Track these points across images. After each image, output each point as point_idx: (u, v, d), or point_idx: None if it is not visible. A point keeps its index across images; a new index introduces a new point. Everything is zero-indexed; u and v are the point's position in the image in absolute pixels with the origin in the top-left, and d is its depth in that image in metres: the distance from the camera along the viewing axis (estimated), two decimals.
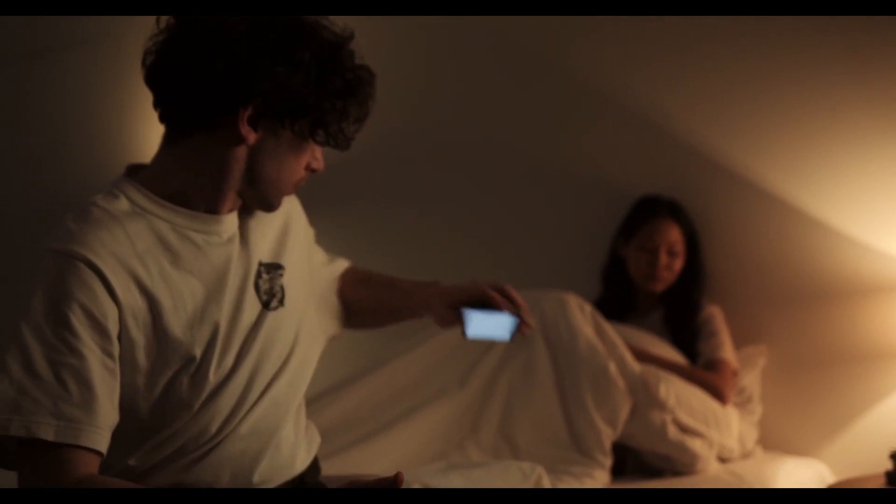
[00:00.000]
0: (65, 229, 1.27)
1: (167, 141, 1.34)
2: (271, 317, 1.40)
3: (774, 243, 2.86)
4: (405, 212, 3.53)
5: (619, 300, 2.90)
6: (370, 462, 2.05)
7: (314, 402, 2.22)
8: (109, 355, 1.23)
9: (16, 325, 1.21)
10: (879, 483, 2.29)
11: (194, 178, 1.33)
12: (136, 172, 1.37)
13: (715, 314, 2.78)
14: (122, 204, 1.31)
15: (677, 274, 2.81)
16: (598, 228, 3.05)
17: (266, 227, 1.47)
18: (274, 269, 1.45)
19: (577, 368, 2.32)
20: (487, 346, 2.42)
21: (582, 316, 2.42)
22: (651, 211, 2.83)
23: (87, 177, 4.11)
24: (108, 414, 1.23)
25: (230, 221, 1.38)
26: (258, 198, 1.37)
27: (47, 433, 1.18)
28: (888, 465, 2.28)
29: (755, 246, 2.89)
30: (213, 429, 1.33)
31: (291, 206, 1.57)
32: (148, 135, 4.04)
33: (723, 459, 2.52)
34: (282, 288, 1.46)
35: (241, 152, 1.31)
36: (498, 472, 1.89)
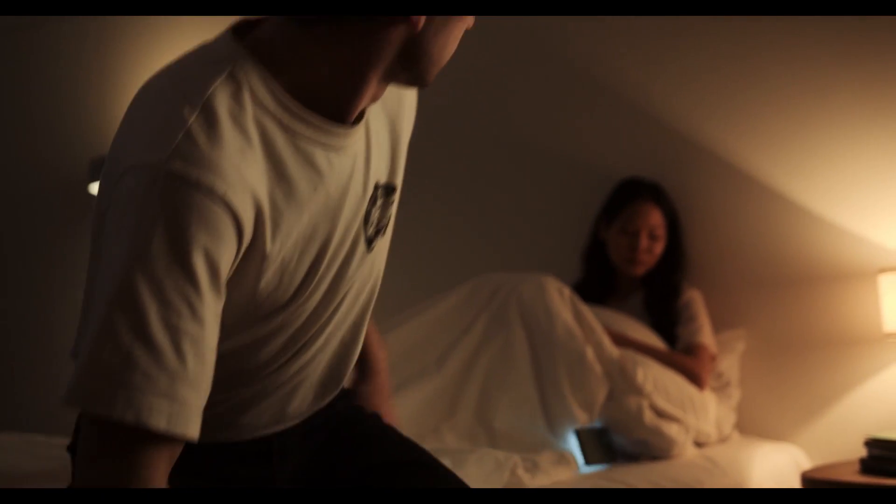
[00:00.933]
0: (190, 142, 0.94)
1: (300, 22, 1.01)
2: (369, 258, 1.18)
3: (755, 227, 2.85)
4: None
5: (599, 283, 2.90)
6: None
7: None
8: (217, 320, 0.97)
9: (127, 272, 0.90)
10: (854, 469, 2.30)
11: (334, 68, 1.03)
12: (247, 33, 1.05)
13: (695, 298, 2.77)
14: (245, 100, 0.99)
15: (658, 258, 2.81)
16: (580, 211, 3.04)
17: (381, 130, 1.19)
18: (389, 192, 1.21)
19: (554, 353, 2.30)
20: (465, 328, 2.41)
21: (560, 300, 2.41)
22: (633, 194, 2.82)
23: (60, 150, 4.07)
24: (207, 394, 0.97)
25: (359, 134, 1.10)
26: (412, 79, 1.10)
27: (159, 421, 0.91)
28: (863, 452, 2.29)
29: (736, 230, 2.88)
30: (265, 373, 1.15)
31: (405, 92, 1.25)
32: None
33: (699, 444, 2.52)
34: (390, 218, 1.23)
35: (401, 32, 1.02)
36: (474, 460, 1.88)
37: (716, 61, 2.91)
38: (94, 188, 3.62)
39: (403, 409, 2.20)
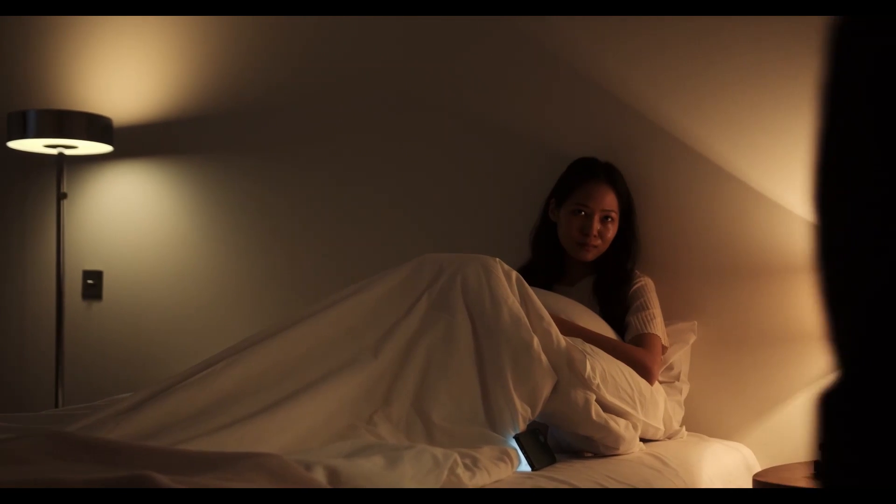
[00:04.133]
0: None
1: None
2: None
3: (712, 214, 2.73)
4: (319, 163, 3.35)
5: (548, 267, 2.78)
6: (270, 437, 1.86)
7: (207, 366, 2.01)
8: None
9: None
10: (806, 472, 2.20)
11: None
12: None
13: (646, 286, 2.66)
14: None
15: (609, 243, 2.70)
16: (531, 190, 2.90)
17: None
18: None
19: (499, 341, 2.14)
20: (405, 311, 2.24)
21: (508, 284, 2.25)
22: (587, 174, 2.69)
23: None
24: None
25: None
26: None
27: None
28: (817, 455, 2.19)
29: (692, 216, 2.76)
30: None
31: None
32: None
33: (646, 440, 2.40)
34: None
35: None
36: (410, 458, 1.73)
37: (675, 38, 2.78)
38: (13, 144, 3.39)
39: (335, 399, 2.03)
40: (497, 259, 2.32)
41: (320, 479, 1.59)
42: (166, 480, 1.44)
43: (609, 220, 2.66)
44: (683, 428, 2.58)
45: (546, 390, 2.13)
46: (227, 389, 1.99)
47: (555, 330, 2.21)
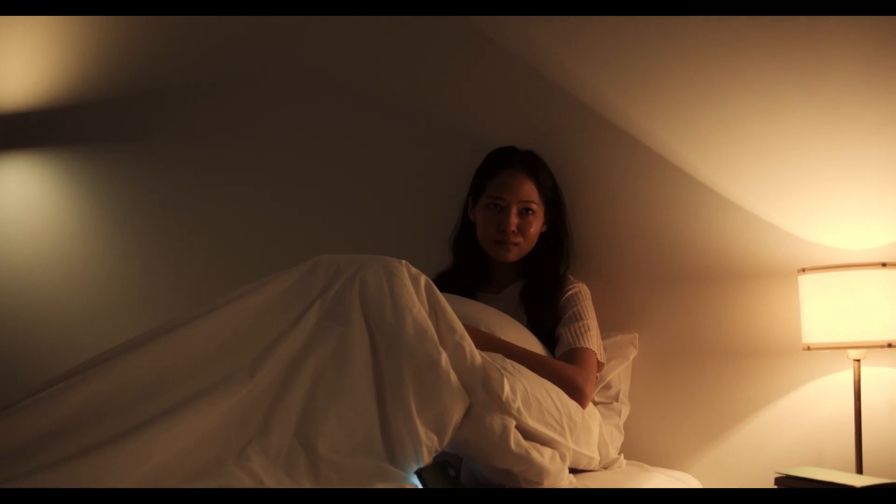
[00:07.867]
0: None
1: None
2: None
3: (656, 211, 2.54)
4: (213, 157, 3.06)
5: (471, 272, 2.59)
6: (116, 473, 1.57)
7: (45, 388, 1.73)
8: None
9: None
10: None
11: None
12: None
13: (580, 293, 2.46)
14: None
15: (533, 241, 2.50)
16: (453, 186, 2.67)
17: None
18: None
19: (400, 357, 1.87)
20: (293, 321, 1.94)
21: (415, 290, 1.97)
22: (500, 163, 2.51)
23: None
24: None
25: None
26: None
27: None
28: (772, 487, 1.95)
29: (632, 213, 2.58)
30: None
31: None
32: None
33: (577, 471, 2.14)
34: None
35: None
36: None
37: (620, 18, 2.55)
38: None
39: (201, 426, 1.73)
40: (403, 261, 2.04)
41: None
42: None
43: (530, 212, 2.49)
44: (622, 456, 2.39)
45: (456, 415, 1.86)
46: (66, 416, 1.70)
47: (469, 344, 1.94)
